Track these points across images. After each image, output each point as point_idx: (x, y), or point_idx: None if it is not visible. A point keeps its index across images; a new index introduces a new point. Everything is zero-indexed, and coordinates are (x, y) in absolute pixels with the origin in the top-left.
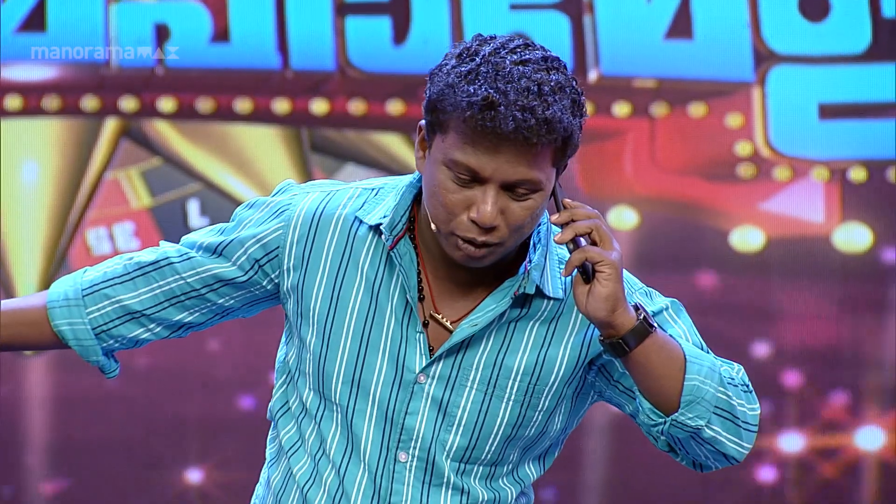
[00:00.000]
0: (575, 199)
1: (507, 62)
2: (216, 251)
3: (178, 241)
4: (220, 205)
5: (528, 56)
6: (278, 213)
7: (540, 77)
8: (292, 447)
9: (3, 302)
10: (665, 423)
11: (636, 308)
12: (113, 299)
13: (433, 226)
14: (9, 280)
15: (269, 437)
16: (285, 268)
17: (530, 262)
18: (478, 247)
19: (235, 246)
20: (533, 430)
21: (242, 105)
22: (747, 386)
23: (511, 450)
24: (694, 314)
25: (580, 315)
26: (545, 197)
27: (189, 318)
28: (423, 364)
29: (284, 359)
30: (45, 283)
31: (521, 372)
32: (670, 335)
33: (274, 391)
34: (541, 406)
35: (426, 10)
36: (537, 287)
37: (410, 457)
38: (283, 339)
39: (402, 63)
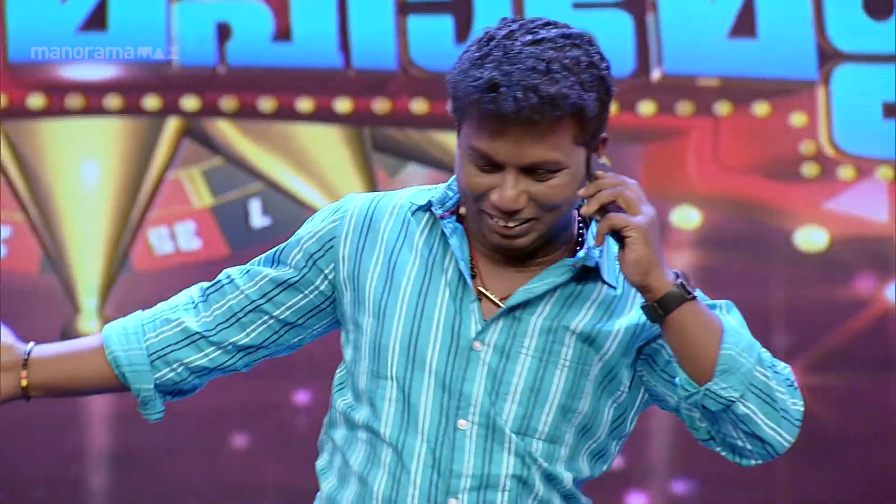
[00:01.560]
0: None
1: (519, 43)
2: (275, 258)
3: (239, 241)
4: (282, 204)
5: (543, 35)
6: (334, 211)
7: (551, 55)
8: (345, 442)
9: (51, 344)
10: (699, 393)
11: (677, 275)
12: (173, 323)
13: (462, 210)
14: (70, 281)
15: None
16: (340, 257)
17: (588, 245)
18: (510, 227)
19: (292, 245)
20: (587, 404)
21: (304, 104)
22: (791, 382)
23: (567, 426)
24: (756, 312)
25: (635, 303)
26: (574, 175)
27: (245, 339)
28: (479, 329)
29: (341, 371)
30: (107, 284)
31: (574, 337)
32: (717, 314)
33: (333, 401)
34: (592, 374)
35: (489, 8)
36: (597, 265)
37: (470, 423)
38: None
39: None
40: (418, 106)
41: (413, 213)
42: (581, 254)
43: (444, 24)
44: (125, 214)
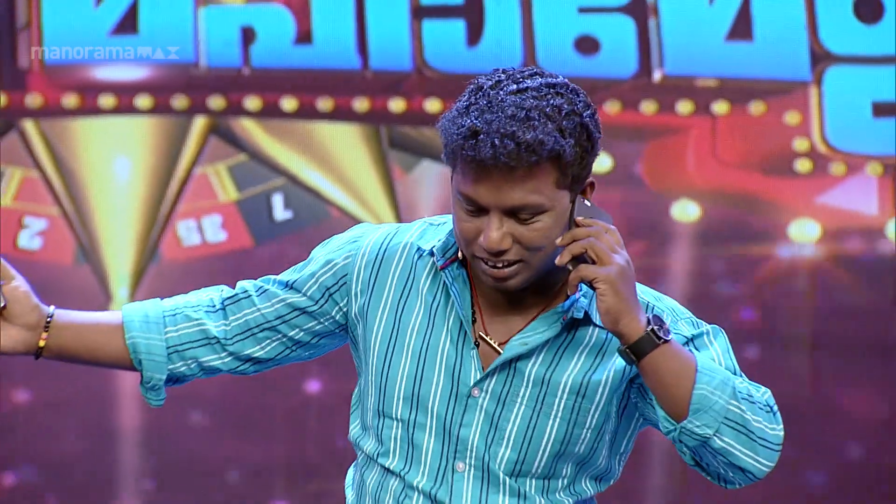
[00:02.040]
0: (639, 193)
1: (503, 93)
2: (289, 285)
3: (262, 234)
4: (303, 198)
5: (527, 84)
6: (348, 243)
7: (532, 103)
8: (366, 464)
9: (75, 311)
10: (676, 430)
11: (649, 321)
12: (194, 322)
13: (459, 254)
14: (103, 271)
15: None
16: (353, 293)
17: (581, 290)
18: (499, 269)
19: (307, 278)
20: (583, 447)
21: (324, 104)
22: (770, 407)
23: (562, 465)
24: (752, 303)
25: None
26: (558, 218)
27: (259, 353)
28: (477, 378)
29: (356, 391)
30: (138, 273)
31: (567, 390)
32: (693, 351)
33: (350, 421)
34: (588, 424)
35: (498, 13)
36: (586, 313)
37: (467, 466)
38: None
39: (475, 63)
40: (432, 105)
41: (419, 258)
42: (568, 304)
43: (456, 28)
44: (155, 208)
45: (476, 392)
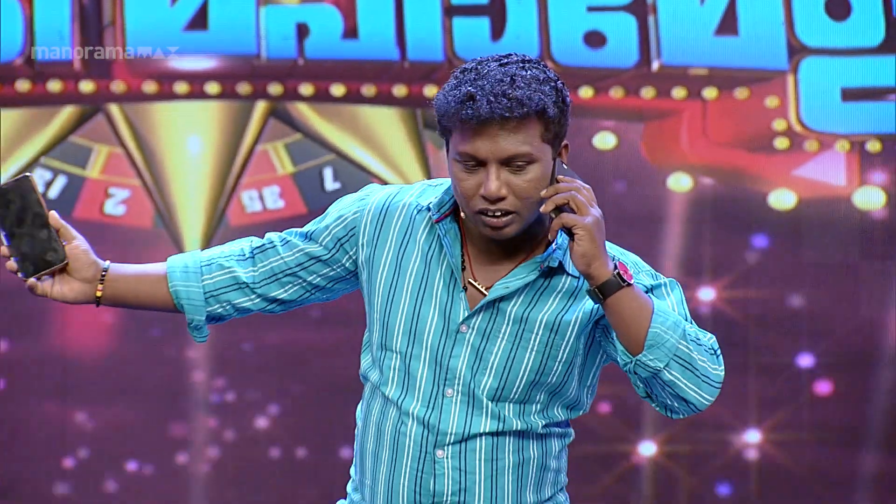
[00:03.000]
0: (639, 167)
1: (488, 66)
2: (308, 236)
3: (314, 202)
4: (350, 171)
5: (506, 60)
6: (357, 201)
7: (514, 71)
8: (372, 394)
9: (127, 265)
10: (632, 362)
11: (615, 266)
12: (227, 269)
13: (462, 213)
14: (178, 235)
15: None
16: (360, 243)
17: (557, 242)
18: (497, 217)
19: (322, 230)
20: (554, 377)
21: (368, 90)
22: (714, 350)
23: (537, 392)
24: (737, 262)
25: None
26: (544, 170)
27: (283, 295)
28: (465, 315)
29: (366, 331)
30: (208, 237)
31: (542, 327)
32: (651, 297)
33: (361, 358)
34: (559, 357)
35: (518, 11)
36: (560, 263)
37: (455, 391)
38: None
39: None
40: None
41: (418, 212)
42: (546, 254)
43: (482, 24)
44: (222, 180)
45: (464, 328)
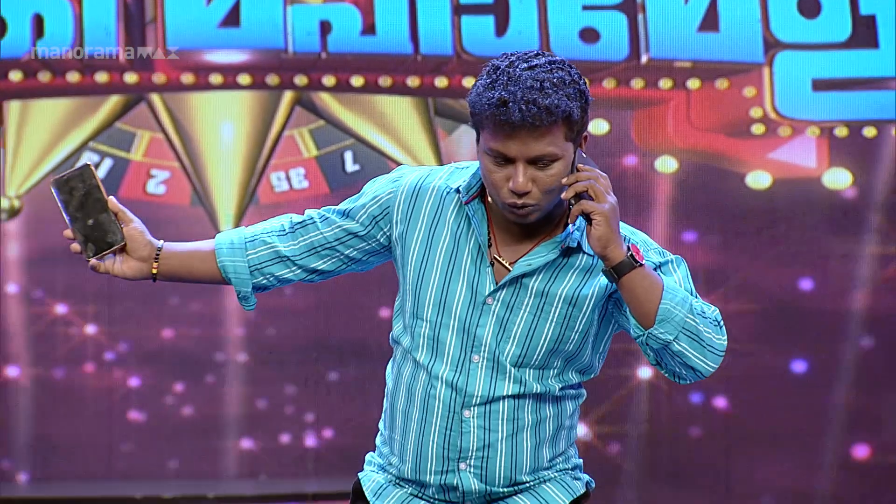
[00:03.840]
0: (630, 150)
1: (518, 70)
2: (346, 214)
3: (336, 182)
4: (368, 154)
5: (535, 62)
6: (391, 182)
7: (543, 76)
8: (403, 358)
9: (179, 243)
10: (644, 335)
11: (629, 248)
12: (269, 244)
13: (490, 197)
14: (213, 212)
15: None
16: (394, 221)
17: (575, 224)
18: (520, 208)
19: (359, 208)
20: (571, 346)
21: (384, 81)
22: (718, 322)
23: (555, 359)
24: (720, 232)
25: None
26: (566, 164)
27: (322, 266)
28: (491, 289)
29: (398, 299)
30: (240, 213)
31: (561, 301)
32: (660, 275)
33: (393, 323)
34: (576, 328)
35: (520, 10)
36: (578, 243)
37: (481, 358)
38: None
39: (502, 49)
40: (468, 82)
41: (447, 194)
42: (564, 235)
43: (487, 22)
44: (253, 162)
45: (490, 300)
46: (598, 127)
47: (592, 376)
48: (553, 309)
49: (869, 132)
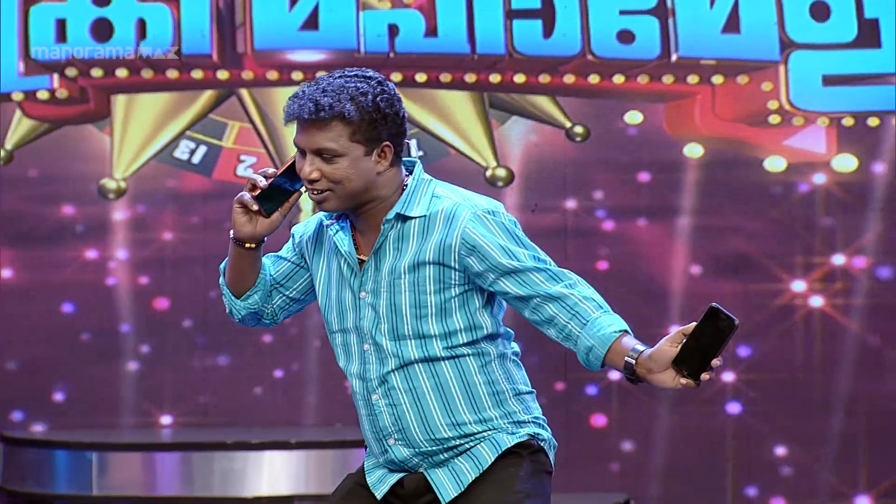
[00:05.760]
0: (660, 139)
1: (329, 77)
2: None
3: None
4: (431, 142)
5: (348, 73)
6: (292, 242)
7: (338, 83)
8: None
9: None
10: (590, 365)
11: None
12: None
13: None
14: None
15: None
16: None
17: (407, 190)
18: (316, 193)
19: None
20: (433, 308)
21: (445, 77)
22: (601, 305)
23: (426, 324)
24: (743, 211)
25: (437, 226)
26: (353, 161)
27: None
28: (360, 284)
29: None
30: None
31: (406, 272)
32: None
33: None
34: (428, 290)
35: (564, 14)
36: (399, 213)
37: (369, 345)
38: None
39: (549, 49)
40: (518, 78)
41: (321, 227)
42: (393, 212)
43: (535, 25)
44: None
45: (363, 294)
46: (633, 118)
47: (486, 332)
48: (402, 281)
49: (872, 122)
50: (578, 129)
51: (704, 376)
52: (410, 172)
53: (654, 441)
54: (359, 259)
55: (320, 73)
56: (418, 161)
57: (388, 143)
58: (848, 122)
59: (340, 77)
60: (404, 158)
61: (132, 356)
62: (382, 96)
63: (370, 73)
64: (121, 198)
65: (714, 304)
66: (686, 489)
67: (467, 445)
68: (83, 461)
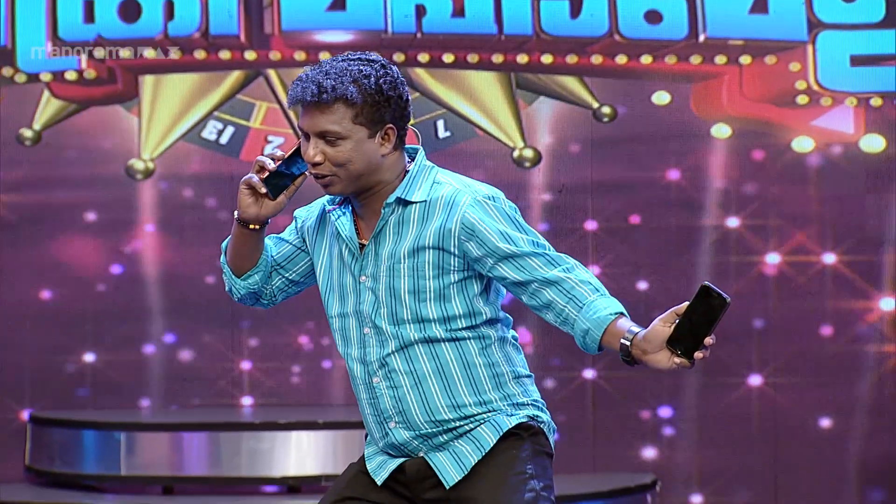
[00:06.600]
0: (689, 118)
1: (332, 60)
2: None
3: (429, 147)
4: (458, 122)
5: (349, 57)
6: (294, 225)
7: (342, 65)
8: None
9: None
10: (587, 348)
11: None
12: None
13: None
14: None
15: None
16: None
17: (409, 176)
18: (320, 178)
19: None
20: (431, 293)
21: (472, 58)
22: (599, 289)
23: (424, 308)
24: (772, 188)
25: (437, 212)
26: (356, 144)
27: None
28: (360, 268)
29: None
30: None
31: (405, 256)
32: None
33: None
34: (427, 275)
35: None
36: (399, 197)
37: (370, 329)
38: None
39: (576, 30)
40: (546, 59)
41: (323, 211)
42: (393, 196)
43: (563, 5)
44: None
45: (363, 278)
46: (660, 98)
47: (484, 318)
48: (402, 265)
49: None
50: (606, 110)
51: (698, 355)
52: (413, 159)
53: (684, 421)
54: (360, 243)
55: None
56: (421, 148)
57: (391, 125)
58: (876, 102)
59: (343, 60)
60: (408, 146)
61: (156, 341)
62: (385, 79)
63: (374, 56)
64: (149, 178)
65: (706, 282)
66: (715, 470)
67: (467, 427)
68: (111, 441)
